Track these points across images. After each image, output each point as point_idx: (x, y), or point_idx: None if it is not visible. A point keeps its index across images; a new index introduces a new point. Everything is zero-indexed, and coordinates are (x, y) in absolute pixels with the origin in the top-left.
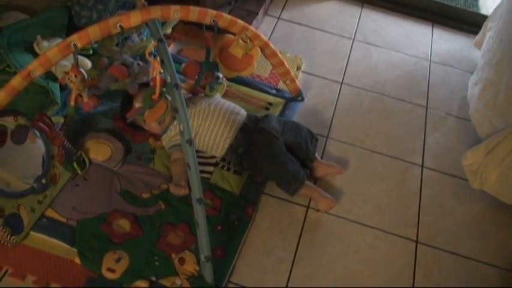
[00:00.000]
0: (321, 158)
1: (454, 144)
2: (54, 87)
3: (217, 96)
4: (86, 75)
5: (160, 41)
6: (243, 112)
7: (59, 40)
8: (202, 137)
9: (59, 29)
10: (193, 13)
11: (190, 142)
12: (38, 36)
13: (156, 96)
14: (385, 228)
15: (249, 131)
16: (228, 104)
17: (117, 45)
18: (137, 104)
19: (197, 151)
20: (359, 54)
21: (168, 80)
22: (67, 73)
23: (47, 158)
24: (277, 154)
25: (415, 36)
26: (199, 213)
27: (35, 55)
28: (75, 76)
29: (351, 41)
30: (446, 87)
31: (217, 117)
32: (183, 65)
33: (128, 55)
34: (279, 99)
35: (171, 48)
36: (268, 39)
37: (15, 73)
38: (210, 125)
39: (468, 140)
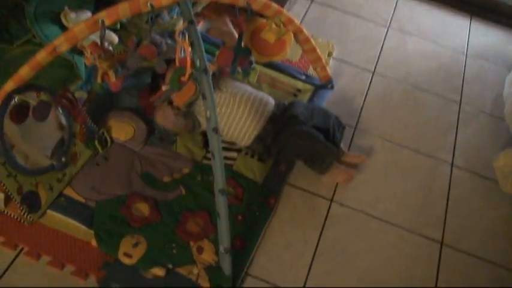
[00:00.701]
0: (348, 149)
1: (486, 144)
2: (79, 61)
3: (245, 83)
4: (111, 50)
5: (191, 22)
6: (271, 101)
7: (87, 12)
8: (227, 127)
9: (87, 0)
10: None
11: (216, 130)
12: (66, 8)
13: (186, 78)
14: (410, 227)
15: (277, 121)
16: (256, 93)
17: (146, 22)
18: (164, 87)
19: None
20: (393, 43)
21: (197, 64)
22: (83, 47)
23: (69, 136)
24: (306, 131)
25: (452, 28)
26: (221, 204)
27: (62, 27)
28: (91, 53)
29: (386, 28)
30: (481, 83)
31: (244, 108)
32: (217, 53)
33: (156, 32)
34: (308, 86)
35: (200, 26)
36: (301, 22)
37: (40, 44)
38: (237, 115)
39: (501, 141)
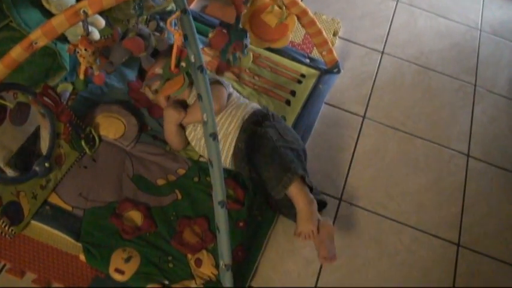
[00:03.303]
0: (357, 139)
1: (504, 131)
2: (63, 49)
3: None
4: (98, 35)
5: (184, 11)
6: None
7: None
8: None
9: None
10: None
11: (214, 136)
12: None
13: (172, 68)
14: (424, 228)
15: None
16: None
17: (133, 8)
18: (157, 70)
19: None
20: (403, 19)
21: (192, 60)
22: (76, 45)
23: (52, 138)
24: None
25: (464, 0)
26: (221, 218)
27: (43, 10)
28: (86, 50)
29: (395, 2)
30: (498, 63)
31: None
32: (210, 35)
33: (149, 14)
34: (312, 71)
35: (194, 5)
36: None
37: (19, 31)
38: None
39: None
